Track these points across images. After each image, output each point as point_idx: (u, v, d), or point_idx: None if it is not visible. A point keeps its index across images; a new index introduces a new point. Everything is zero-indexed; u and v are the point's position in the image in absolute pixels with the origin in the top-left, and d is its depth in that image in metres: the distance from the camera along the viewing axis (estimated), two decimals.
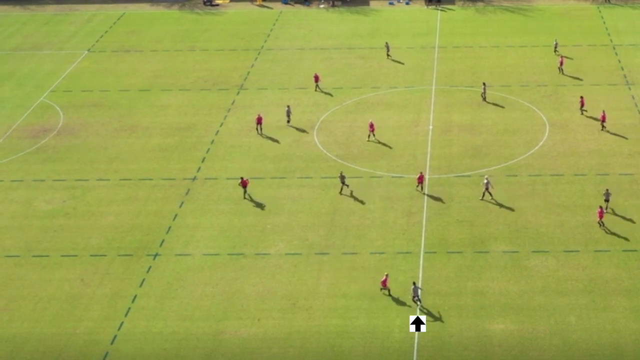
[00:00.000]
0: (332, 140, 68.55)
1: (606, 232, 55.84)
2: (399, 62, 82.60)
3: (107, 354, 47.87)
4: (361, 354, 47.02)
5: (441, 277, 52.76)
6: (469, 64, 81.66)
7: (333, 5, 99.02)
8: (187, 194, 62.28)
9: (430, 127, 70.16)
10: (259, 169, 64.95)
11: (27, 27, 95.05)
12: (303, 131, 70.16)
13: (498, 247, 55.17)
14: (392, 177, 63.31)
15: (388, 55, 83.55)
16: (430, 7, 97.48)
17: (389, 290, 51.38)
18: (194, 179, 64.15)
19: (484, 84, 73.93)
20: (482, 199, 59.89)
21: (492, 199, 59.95)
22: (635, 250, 54.46)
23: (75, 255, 56.02)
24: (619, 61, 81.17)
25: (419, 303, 50.36)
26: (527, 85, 76.84)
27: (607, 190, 57.87)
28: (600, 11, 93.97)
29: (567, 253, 54.42)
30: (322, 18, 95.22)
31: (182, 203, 61.13)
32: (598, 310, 49.59)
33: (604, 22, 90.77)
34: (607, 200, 57.60)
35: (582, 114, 70.39)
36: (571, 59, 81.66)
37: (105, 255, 55.87)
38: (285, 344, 47.93)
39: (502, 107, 72.98)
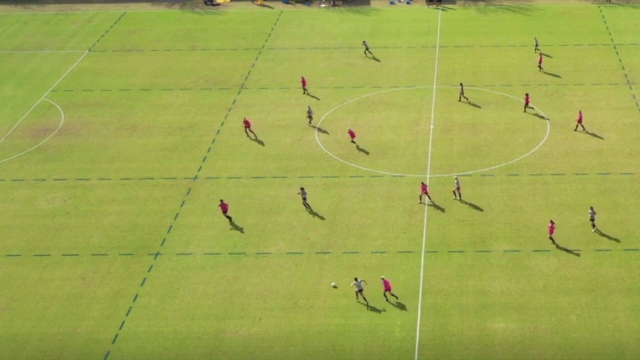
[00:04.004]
0: (333, 140, 68.57)
1: (557, 247, 54.89)
2: (399, 62, 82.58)
3: (108, 353, 47.91)
4: (362, 353, 47.04)
5: (442, 276, 52.78)
6: (469, 64, 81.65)
7: (334, 5, 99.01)
8: (188, 193, 62.31)
9: (431, 126, 70.17)
10: (260, 168, 64.98)
11: (28, 26, 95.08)
12: (304, 130, 70.17)
13: (499, 246, 55.19)
14: (393, 176, 63.32)
15: (366, 53, 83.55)
16: (431, 6, 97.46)
17: (394, 296, 51.27)
18: (195, 178, 64.18)
19: (461, 84, 73.77)
20: (454, 199, 59.75)
21: (460, 199, 59.83)
22: (636, 250, 54.46)
23: (77, 255, 56.06)
24: (620, 60, 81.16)
25: (359, 295, 50.63)
26: (528, 84, 76.83)
27: (591, 208, 55.95)
28: (601, 10, 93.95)
29: (568, 252, 54.43)
30: (323, 17, 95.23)
31: (183, 202, 61.16)
32: (599, 309, 49.60)
33: (605, 22, 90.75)
34: (592, 219, 55.81)
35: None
36: (550, 56, 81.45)
37: (106, 255, 55.91)
38: (286, 343, 47.96)
39: (503, 106, 72.98)
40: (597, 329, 48.15)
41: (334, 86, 77.95)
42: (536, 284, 51.71)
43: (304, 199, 58.97)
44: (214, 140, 69.42)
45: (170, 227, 58.52)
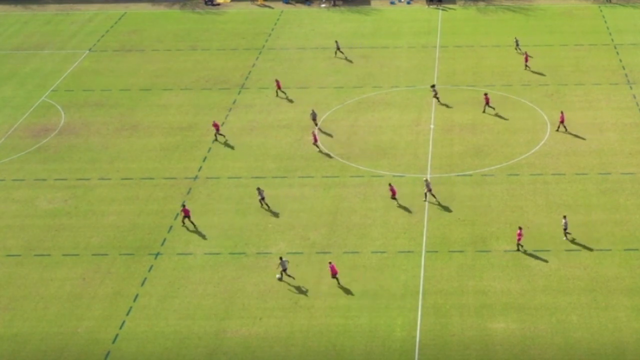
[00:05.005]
0: (333, 140, 68.57)
1: (525, 253, 54.60)
2: (399, 62, 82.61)
3: (108, 352, 47.91)
4: (363, 353, 47.04)
5: (443, 276, 52.78)
6: (470, 64, 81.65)
7: (334, 5, 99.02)
8: (188, 193, 62.31)
9: (432, 126, 70.17)
10: (260, 168, 64.99)
11: (29, 26, 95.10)
12: (304, 130, 70.17)
13: (499, 246, 55.19)
14: (394, 176, 63.32)
15: (336, 52, 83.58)
16: (431, 6, 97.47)
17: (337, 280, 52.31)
18: (195, 178, 64.18)
19: (432, 86, 73.63)
20: (425, 200, 59.75)
21: (425, 200, 59.82)
22: (637, 250, 54.45)
23: (77, 255, 56.06)
24: (620, 60, 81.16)
25: (284, 274, 52.61)
26: (528, 84, 76.84)
27: (564, 217, 54.97)
28: (601, 10, 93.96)
29: (569, 252, 54.42)
30: (323, 17, 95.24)
31: (184, 202, 61.14)
32: (600, 309, 49.59)
33: (605, 22, 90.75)
34: (565, 228, 55.16)
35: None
36: (532, 57, 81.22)
37: (106, 255, 55.91)
38: (286, 343, 47.96)
39: (504, 106, 72.97)
40: (597, 328, 48.14)
41: (334, 86, 77.96)
42: (536, 284, 51.71)
43: (262, 198, 59.22)
44: (214, 140, 69.41)
45: (171, 227, 58.52)
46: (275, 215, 58.94)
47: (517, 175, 62.94)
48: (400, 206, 59.47)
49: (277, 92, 76.13)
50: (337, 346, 47.62)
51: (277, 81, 76.04)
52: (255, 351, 47.44)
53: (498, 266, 53.39)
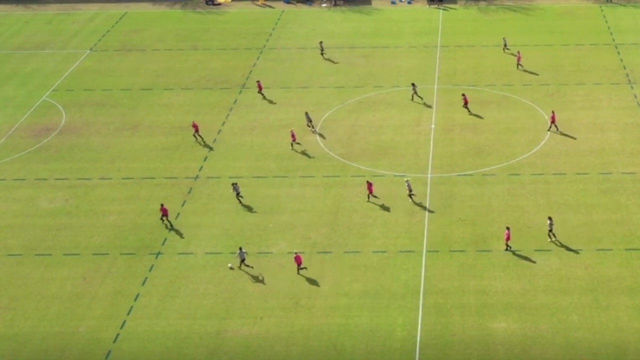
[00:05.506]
0: (334, 139, 68.56)
1: (515, 253, 54.61)
2: (400, 62, 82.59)
3: (109, 352, 47.93)
4: (363, 353, 47.04)
5: (443, 275, 52.78)
6: (471, 63, 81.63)
7: (335, 5, 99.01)
8: (189, 192, 62.32)
9: (433, 126, 70.16)
10: (261, 168, 64.99)
11: (30, 26, 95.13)
12: (305, 130, 70.16)
13: (500, 245, 55.16)
14: (394, 176, 63.32)
15: (322, 54, 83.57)
16: (432, 6, 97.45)
17: (304, 268, 53.29)
18: (196, 177, 64.20)
19: (412, 84, 73.73)
20: (411, 202, 59.77)
21: (412, 200, 59.82)
22: (638, 249, 54.43)
23: (78, 254, 56.08)
24: (621, 60, 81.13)
25: (242, 265, 53.44)
26: (529, 84, 76.82)
27: (550, 218, 54.82)
28: (602, 10, 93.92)
29: (570, 252, 54.41)
30: (324, 17, 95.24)
31: (185, 202, 61.18)
32: (600, 308, 49.58)
33: (606, 22, 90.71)
34: (550, 230, 55.02)
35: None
36: (522, 56, 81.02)
37: (107, 254, 55.92)
38: (287, 343, 47.97)
39: (505, 106, 72.97)
40: (598, 328, 48.14)
41: (335, 86, 77.96)
42: (537, 284, 51.70)
43: (237, 194, 59.82)
44: (215, 139, 69.44)
45: (171, 226, 58.51)
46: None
47: (518, 175, 62.94)
48: (375, 202, 59.50)
49: (259, 92, 75.99)
50: (338, 346, 47.63)
51: (258, 82, 76.10)
52: (256, 351, 47.46)
53: (499, 266, 53.39)
